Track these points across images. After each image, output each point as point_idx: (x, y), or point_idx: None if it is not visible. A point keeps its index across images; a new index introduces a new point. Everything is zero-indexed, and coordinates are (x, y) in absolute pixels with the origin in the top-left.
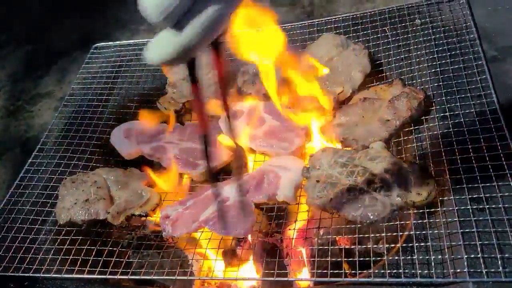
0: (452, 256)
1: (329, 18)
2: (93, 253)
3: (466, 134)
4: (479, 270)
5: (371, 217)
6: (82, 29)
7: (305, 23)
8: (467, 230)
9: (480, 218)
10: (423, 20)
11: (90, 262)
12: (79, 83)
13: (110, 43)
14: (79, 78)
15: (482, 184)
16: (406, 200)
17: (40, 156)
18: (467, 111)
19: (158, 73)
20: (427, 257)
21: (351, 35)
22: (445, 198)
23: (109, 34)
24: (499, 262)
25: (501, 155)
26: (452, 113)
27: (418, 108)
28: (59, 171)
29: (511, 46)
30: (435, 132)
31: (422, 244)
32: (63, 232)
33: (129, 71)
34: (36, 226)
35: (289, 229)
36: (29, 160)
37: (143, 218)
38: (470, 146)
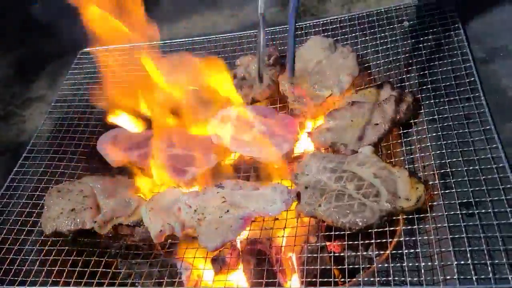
0: (442, 263)
1: (317, 20)
2: (80, 263)
3: (455, 137)
4: (469, 277)
5: (360, 223)
6: (73, 32)
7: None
8: (456, 236)
9: (470, 224)
10: (411, 22)
11: (76, 273)
12: (66, 89)
13: (97, 48)
14: (66, 84)
15: (472, 189)
16: (395, 206)
17: (26, 165)
18: (455, 114)
19: None
20: (416, 264)
21: (339, 37)
22: (435, 203)
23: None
24: (489, 268)
25: (491, 158)
26: (440, 116)
27: (406, 112)
28: (45, 180)
29: (500, 48)
30: (424, 136)
31: (412, 250)
32: (49, 243)
33: (116, 76)
34: (22, 237)
35: (278, 237)
36: (15, 169)
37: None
38: (459, 150)
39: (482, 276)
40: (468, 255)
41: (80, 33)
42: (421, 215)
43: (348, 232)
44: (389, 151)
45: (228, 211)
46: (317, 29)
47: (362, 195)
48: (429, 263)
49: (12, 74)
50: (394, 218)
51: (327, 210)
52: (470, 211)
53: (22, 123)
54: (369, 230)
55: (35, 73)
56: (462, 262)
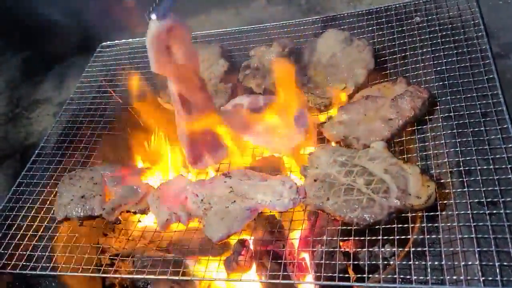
0: (463, 263)
1: (334, 14)
2: (88, 250)
3: (470, 135)
4: (493, 278)
5: (368, 219)
6: (78, 34)
7: (309, 20)
8: (479, 236)
9: (495, 223)
10: (430, 17)
11: (84, 260)
12: (82, 84)
13: (116, 41)
14: (86, 76)
15: (490, 188)
16: (405, 203)
17: (38, 161)
18: (472, 111)
19: None
20: (438, 263)
21: (355, 31)
22: (458, 201)
23: (107, 38)
24: None
25: (506, 158)
26: (456, 113)
27: (421, 108)
28: (55, 176)
29: None
30: (439, 133)
31: (433, 249)
32: (60, 229)
33: (132, 68)
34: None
35: (285, 230)
36: (28, 165)
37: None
38: (473, 148)
39: (507, 279)
40: (495, 255)
41: (86, 34)
42: (444, 213)
43: (367, 229)
44: (402, 147)
45: (234, 201)
46: (333, 23)
47: (372, 191)
48: (451, 263)
49: (19, 76)
50: (415, 214)
51: (335, 204)
52: (495, 211)
53: (29, 125)
54: (388, 226)
55: (42, 74)
56: (487, 263)
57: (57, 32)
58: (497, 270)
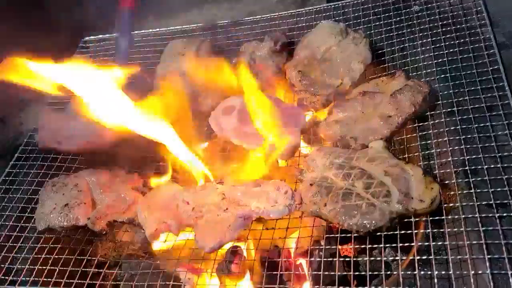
0: (473, 272)
1: (327, 4)
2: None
3: (475, 131)
4: None
5: (368, 226)
6: (68, 28)
7: (302, 11)
8: (489, 241)
9: (506, 227)
10: (429, 5)
11: (67, 272)
12: None
13: (99, 36)
14: None
15: (505, 188)
16: (407, 208)
17: (17, 166)
18: (476, 105)
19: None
20: (445, 272)
21: (351, 22)
22: (464, 203)
23: (96, 33)
24: None
25: None
26: (460, 108)
27: (422, 103)
28: (36, 182)
29: None
30: (442, 130)
31: (439, 257)
32: (41, 240)
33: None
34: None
35: (280, 238)
36: (6, 170)
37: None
38: (480, 146)
39: None
40: (507, 263)
41: (75, 28)
42: (450, 217)
43: (367, 236)
44: (402, 146)
45: (227, 209)
46: (327, 14)
47: (371, 195)
48: (458, 272)
49: None
50: (419, 219)
51: (333, 210)
52: (505, 214)
53: (19, 125)
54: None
55: None
56: (498, 272)
57: (48, 28)
58: (510, 280)
